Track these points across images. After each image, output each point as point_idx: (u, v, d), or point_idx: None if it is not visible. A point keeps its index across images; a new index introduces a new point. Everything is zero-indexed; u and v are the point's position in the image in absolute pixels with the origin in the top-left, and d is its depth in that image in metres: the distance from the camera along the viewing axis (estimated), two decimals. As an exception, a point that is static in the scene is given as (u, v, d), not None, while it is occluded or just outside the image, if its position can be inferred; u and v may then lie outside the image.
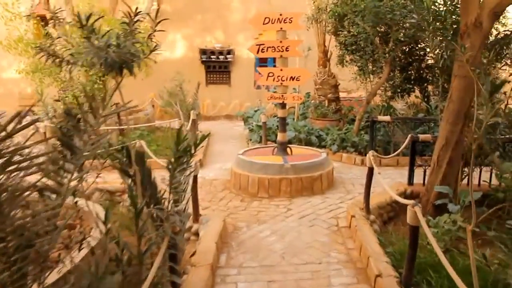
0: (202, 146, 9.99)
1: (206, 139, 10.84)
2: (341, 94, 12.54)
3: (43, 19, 12.73)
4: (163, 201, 3.62)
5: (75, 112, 2.57)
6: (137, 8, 3.32)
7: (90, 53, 2.81)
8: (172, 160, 3.28)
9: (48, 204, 2.49)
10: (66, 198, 2.57)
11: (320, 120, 10.67)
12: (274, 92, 8.01)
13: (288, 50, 7.04)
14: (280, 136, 7.54)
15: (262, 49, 7.12)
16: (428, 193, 6.05)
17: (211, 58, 15.86)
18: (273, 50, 7.08)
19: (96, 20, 2.94)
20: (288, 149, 7.63)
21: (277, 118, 9.13)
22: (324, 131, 10.13)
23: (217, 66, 16.08)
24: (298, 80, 7.15)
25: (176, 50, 15.99)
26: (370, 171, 5.82)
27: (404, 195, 6.71)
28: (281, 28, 7.02)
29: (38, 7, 15.35)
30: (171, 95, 9.54)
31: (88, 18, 2.89)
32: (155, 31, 3.64)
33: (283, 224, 5.85)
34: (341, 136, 9.37)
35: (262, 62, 15.57)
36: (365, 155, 9.17)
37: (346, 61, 11.73)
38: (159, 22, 3.61)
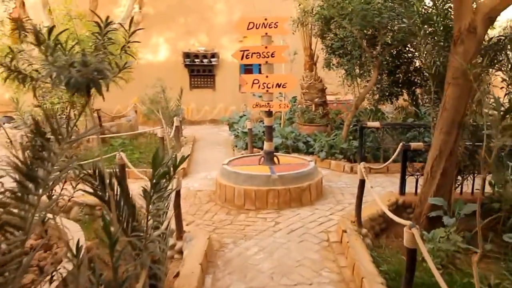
0: (189, 155, 9.70)
1: (190, 146, 10.56)
2: (328, 98, 12.30)
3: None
4: (142, 224, 3.32)
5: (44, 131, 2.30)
6: (108, 17, 3.01)
7: (50, 72, 2.49)
8: (149, 185, 2.97)
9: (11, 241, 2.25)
10: (31, 233, 2.30)
11: (307, 126, 10.42)
12: (260, 97, 7.75)
13: (273, 56, 6.77)
14: (266, 145, 7.27)
15: (247, 55, 6.84)
16: (421, 205, 5.83)
17: (195, 62, 15.52)
18: (258, 56, 6.81)
19: (60, 33, 2.62)
20: (275, 159, 7.35)
21: (263, 124, 8.88)
22: (312, 137, 9.87)
23: (201, 69, 15.74)
24: (284, 87, 6.89)
25: (159, 54, 15.65)
26: (362, 184, 5.57)
27: (395, 205, 6.48)
28: (266, 33, 6.75)
29: (15, 10, 14.94)
30: (153, 102, 9.20)
31: (50, 31, 2.58)
32: (128, 42, 3.31)
33: (271, 240, 5.58)
34: (330, 142, 9.12)
35: (247, 67, 15.30)
36: (354, 162, 8.99)
37: (333, 65, 11.51)
38: (134, 32, 3.27)
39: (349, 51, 9.62)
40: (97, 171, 3.33)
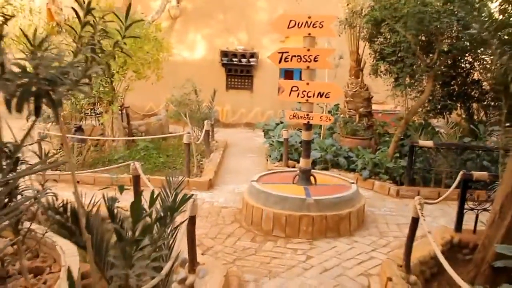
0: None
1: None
2: (373, 107, 11.24)
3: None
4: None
5: None
6: (89, 3, 2.14)
7: None
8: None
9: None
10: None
11: (350, 138, 9.41)
12: (298, 110, 6.84)
13: (316, 61, 5.83)
14: (303, 163, 6.34)
15: (286, 58, 5.92)
16: (484, 250, 4.80)
17: (233, 61, 14.63)
18: (299, 60, 5.88)
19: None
20: (312, 178, 6.41)
21: (299, 130, 7.96)
22: (354, 151, 8.87)
23: (238, 70, 14.85)
24: (328, 97, 5.94)
25: (196, 51, 14.87)
26: (415, 222, 4.59)
27: (450, 244, 5.49)
28: (309, 34, 5.81)
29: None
30: (180, 105, 8.38)
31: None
32: (124, 37, 2.46)
33: (300, 280, 4.67)
34: (374, 160, 8.11)
35: (288, 72, 14.34)
36: (401, 184, 7.97)
37: (381, 72, 10.47)
38: (130, 25, 2.40)
39: (400, 58, 8.56)
40: (70, 207, 2.51)
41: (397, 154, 8.61)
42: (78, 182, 8.04)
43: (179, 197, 2.49)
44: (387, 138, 10.31)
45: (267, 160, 9.60)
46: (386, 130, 11.32)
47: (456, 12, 7.85)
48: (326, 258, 5.22)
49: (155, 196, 2.21)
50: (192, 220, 4.47)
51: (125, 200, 6.24)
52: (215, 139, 11.53)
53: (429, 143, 7.66)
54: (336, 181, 6.87)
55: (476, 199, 5.63)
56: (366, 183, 8.10)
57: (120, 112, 11.76)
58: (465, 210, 5.58)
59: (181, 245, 3.92)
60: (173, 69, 14.22)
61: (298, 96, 5.97)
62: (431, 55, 9.20)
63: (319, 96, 5.91)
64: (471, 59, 10.05)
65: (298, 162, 8.88)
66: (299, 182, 6.39)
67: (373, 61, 10.47)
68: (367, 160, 8.19)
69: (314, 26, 5.72)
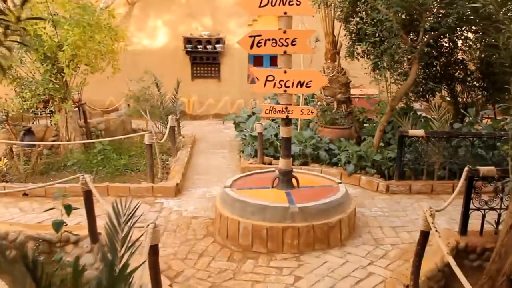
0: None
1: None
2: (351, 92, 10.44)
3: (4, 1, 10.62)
4: None
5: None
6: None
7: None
8: None
9: None
10: None
11: (330, 128, 8.57)
12: (272, 99, 5.91)
13: (294, 44, 4.94)
14: (283, 163, 5.47)
15: (259, 43, 5.02)
16: (500, 261, 4.10)
17: (198, 48, 13.50)
18: (274, 44, 4.98)
19: None
20: (294, 180, 5.56)
21: (277, 124, 7.09)
22: (335, 143, 8.06)
23: (204, 57, 13.69)
24: (309, 87, 5.07)
25: (157, 39, 13.72)
26: (425, 237, 3.80)
27: (455, 250, 4.75)
28: (285, 13, 4.90)
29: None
30: (138, 100, 7.35)
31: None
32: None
33: (290, 312, 3.84)
34: (359, 153, 7.30)
35: (257, 58, 13.40)
36: (390, 178, 7.20)
37: (358, 54, 9.67)
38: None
39: (382, 38, 7.74)
40: None
41: (381, 143, 7.86)
42: (26, 194, 7.04)
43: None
44: (368, 125, 9.56)
45: (240, 156, 8.72)
46: (365, 116, 10.57)
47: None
48: (318, 278, 4.40)
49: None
50: (154, 250, 3.58)
51: (79, 216, 5.29)
52: (181, 134, 10.59)
53: (420, 132, 6.89)
54: (321, 181, 6.03)
55: (480, 196, 4.89)
56: (352, 179, 7.31)
57: (76, 109, 10.73)
58: (470, 211, 4.85)
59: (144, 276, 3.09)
60: (133, 59, 13.17)
61: (274, 86, 5.08)
62: (411, 34, 8.46)
63: (298, 85, 5.04)
64: (454, 38, 9.31)
65: (274, 158, 8.06)
66: (279, 185, 5.53)
67: (349, 42, 9.67)
68: (351, 153, 7.40)
69: (291, 3, 4.82)
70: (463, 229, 4.92)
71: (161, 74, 12.30)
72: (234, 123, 10.17)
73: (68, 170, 8.17)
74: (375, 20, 7.59)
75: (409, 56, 8.03)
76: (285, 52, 4.98)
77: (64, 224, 4.76)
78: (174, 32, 13.63)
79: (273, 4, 4.86)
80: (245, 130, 9.08)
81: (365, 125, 9.95)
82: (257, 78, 5.23)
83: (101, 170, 8.02)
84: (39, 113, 10.35)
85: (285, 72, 5.03)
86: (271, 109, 5.22)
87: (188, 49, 13.47)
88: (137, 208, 3.52)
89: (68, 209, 4.69)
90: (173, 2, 13.53)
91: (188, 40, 13.47)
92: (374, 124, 9.53)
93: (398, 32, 7.51)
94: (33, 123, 10.55)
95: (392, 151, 7.37)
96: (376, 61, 8.73)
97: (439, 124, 7.36)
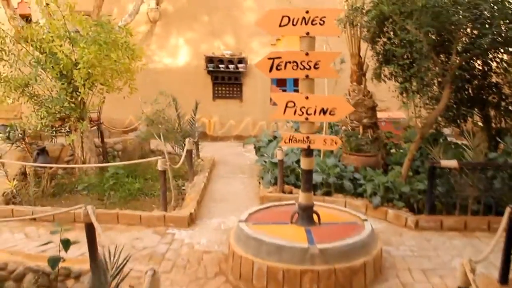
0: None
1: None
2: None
3: (26, 19, 10.50)
4: None
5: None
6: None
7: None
8: None
9: None
10: None
11: (355, 156, 8.06)
12: (295, 122, 5.44)
13: (317, 68, 4.50)
14: (303, 198, 4.99)
15: (278, 66, 4.60)
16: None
17: (219, 68, 13.12)
18: (295, 67, 4.55)
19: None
20: (315, 215, 5.08)
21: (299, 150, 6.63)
22: (361, 172, 7.55)
23: (226, 77, 13.33)
24: (333, 115, 4.61)
25: (178, 57, 13.40)
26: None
27: (496, 302, 4.20)
28: (308, 33, 4.48)
29: (21, 5, 13.17)
30: (153, 124, 6.92)
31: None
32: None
33: None
34: (386, 184, 6.78)
35: (280, 79, 12.95)
36: (419, 212, 6.64)
37: (385, 76, 9.18)
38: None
39: (412, 60, 7.23)
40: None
41: (410, 172, 7.32)
42: (34, 219, 6.70)
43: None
44: (396, 152, 9.01)
45: (259, 183, 8.26)
46: (393, 142, 10.02)
47: (477, 5, 6.57)
48: (339, 332, 3.90)
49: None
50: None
51: (78, 249, 4.89)
52: (200, 157, 10.19)
53: (453, 163, 6.34)
54: (344, 217, 5.53)
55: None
56: (378, 212, 6.78)
57: (95, 128, 10.47)
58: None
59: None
60: (154, 78, 12.94)
61: (295, 113, 4.64)
62: (442, 56, 7.94)
63: (321, 113, 4.59)
64: (488, 60, 8.74)
65: (295, 186, 7.58)
66: (298, 221, 5.05)
67: (375, 64, 9.20)
68: (378, 184, 6.87)
69: (314, 22, 4.40)
70: (504, 278, 4.40)
71: (182, 94, 12.02)
72: (254, 147, 9.73)
73: (82, 192, 7.88)
74: (404, 41, 7.09)
75: (440, 80, 7.54)
76: (307, 76, 4.54)
77: (62, 259, 4.38)
78: (195, 51, 13.33)
79: (294, 23, 4.44)
80: (265, 155, 8.62)
81: (392, 151, 9.40)
82: (277, 104, 4.80)
83: (114, 195, 7.67)
84: (56, 131, 10.12)
85: (306, 98, 4.58)
86: (291, 138, 4.76)
87: (210, 69, 13.12)
88: (127, 262, 3.10)
89: (66, 244, 4.30)
90: (195, 20, 13.25)
91: (209, 59, 13.14)
92: (402, 151, 8.99)
93: (429, 53, 7.02)
94: (51, 141, 10.32)
95: (421, 182, 6.82)
96: (405, 85, 8.25)
97: (474, 153, 6.79)
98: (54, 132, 10.04)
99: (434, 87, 8.09)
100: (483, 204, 6.56)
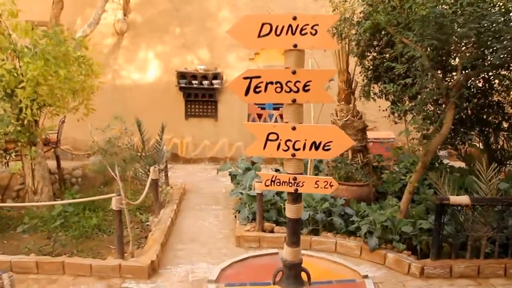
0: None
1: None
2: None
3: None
4: None
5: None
6: None
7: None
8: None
9: None
10: None
11: (345, 185, 7.06)
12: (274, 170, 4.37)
13: (307, 90, 3.47)
14: (289, 253, 3.92)
15: (257, 87, 3.55)
16: None
17: (192, 84, 11.90)
18: (279, 89, 3.52)
19: None
20: (304, 274, 4.02)
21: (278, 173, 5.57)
22: (353, 205, 6.53)
23: (199, 94, 12.09)
24: (327, 150, 3.57)
25: (148, 72, 12.21)
26: None
27: None
28: (296, 45, 3.44)
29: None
30: (105, 154, 5.76)
31: None
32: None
33: None
34: (384, 223, 5.77)
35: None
36: (424, 256, 5.62)
37: (375, 93, 8.31)
38: None
39: (413, 78, 6.26)
40: None
41: (410, 208, 6.34)
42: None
43: None
44: (387, 176, 8.05)
45: (236, 217, 7.19)
46: (383, 166, 9.08)
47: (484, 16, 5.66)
48: None
49: None
50: None
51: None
52: (169, 184, 9.08)
53: (464, 200, 5.35)
54: (340, 273, 4.50)
55: None
56: (375, 256, 5.75)
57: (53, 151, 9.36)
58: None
59: None
60: (122, 95, 11.82)
61: (278, 148, 3.60)
62: (439, 72, 7.04)
63: (313, 147, 3.56)
64: (490, 77, 7.86)
65: (277, 223, 6.53)
66: (283, 281, 3.99)
67: (363, 80, 8.31)
68: (373, 221, 5.86)
69: (303, 32, 3.38)
70: None
71: (151, 112, 10.99)
72: (229, 174, 8.64)
73: (26, 233, 6.71)
74: (404, 56, 6.13)
75: (436, 98, 6.63)
76: (294, 100, 3.50)
77: None
78: (166, 66, 12.20)
79: (277, 33, 3.42)
80: (241, 184, 7.57)
81: (382, 176, 8.44)
82: (256, 133, 3.75)
83: (65, 234, 6.55)
84: (9, 155, 8.96)
85: (293, 128, 3.54)
86: (273, 180, 3.70)
87: (182, 85, 11.96)
88: None
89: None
90: (166, 32, 12.15)
91: (181, 75, 12.00)
92: (394, 175, 8.05)
93: (430, 70, 6.07)
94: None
95: (424, 220, 5.85)
96: (404, 107, 7.32)
97: (487, 187, 5.81)
98: (6, 156, 8.89)
99: (429, 106, 7.18)
100: (497, 245, 5.60)
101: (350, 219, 6.30)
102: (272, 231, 6.39)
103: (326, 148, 3.54)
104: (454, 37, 5.80)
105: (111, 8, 11.64)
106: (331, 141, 3.52)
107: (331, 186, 3.65)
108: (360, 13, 7.29)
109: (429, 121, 6.37)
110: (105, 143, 5.65)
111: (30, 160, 7.72)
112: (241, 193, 7.16)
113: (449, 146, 8.57)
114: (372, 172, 8.14)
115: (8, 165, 9.07)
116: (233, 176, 8.37)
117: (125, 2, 11.80)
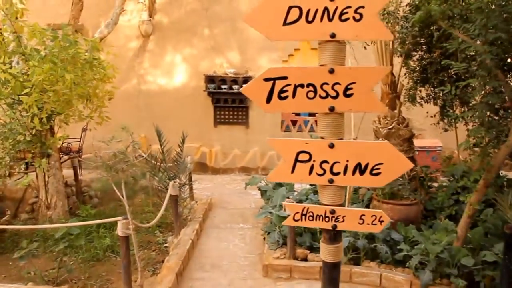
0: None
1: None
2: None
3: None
4: None
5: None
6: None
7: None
8: None
9: None
10: None
11: (390, 204, 6.12)
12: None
13: (350, 95, 2.58)
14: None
15: (282, 92, 2.68)
16: None
17: (222, 89, 11.10)
18: (312, 94, 2.63)
19: None
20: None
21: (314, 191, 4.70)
22: (400, 230, 5.59)
23: (229, 99, 11.26)
24: (376, 175, 2.67)
25: (174, 77, 11.47)
26: None
27: None
28: (334, 35, 2.55)
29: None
30: (110, 170, 4.97)
31: None
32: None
33: None
34: (439, 254, 4.81)
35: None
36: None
37: (421, 98, 7.44)
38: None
39: (477, 78, 5.27)
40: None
41: (468, 236, 5.35)
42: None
43: None
44: (437, 192, 7.10)
45: (264, 239, 6.34)
46: (431, 177, 8.05)
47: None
48: None
49: None
50: None
51: None
52: (194, 199, 8.32)
53: (542, 229, 4.36)
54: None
55: None
56: (429, 293, 4.81)
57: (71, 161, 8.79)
58: None
59: None
60: (148, 102, 11.17)
61: (311, 172, 2.71)
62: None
63: (357, 171, 2.66)
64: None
65: (312, 249, 5.66)
66: None
67: (408, 83, 7.42)
68: (426, 251, 4.90)
69: (343, 17, 2.50)
70: None
71: (178, 119, 10.40)
72: (259, 189, 7.77)
73: (24, 259, 6.02)
74: (463, 55, 5.18)
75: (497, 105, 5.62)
76: (332, 109, 2.61)
77: None
78: (194, 69, 11.44)
79: (309, 19, 2.54)
80: (270, 203, 6.71)
81: (430, 190, 7.48)
82: (282, 154, 2.88)
83: (75, 256, 5.90)
84: (28, 165, 8.46)
85: (331, 146, 2.65)
86: (304, 213, 2.83)
87: (210, 90, 11.17)
88: None
89: None
90: (194, 34, 11.39)
91: (210, 79, 11.20)
92: (444, 189, 7.09)
93: (492, 70, 5.09)
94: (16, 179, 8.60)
95: (487, 250, 4.87)
96: (443, 106, 6.45)
97: None
98: (22, 167, 8.36)
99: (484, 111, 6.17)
100: None
101: (397, 246, 5.36)
102: (305, 259, 5.51)
103: (374, 172, 2.64)
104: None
105: (136, 9, 11.04)
106: (382, 163, 2.62)
107: (380, 222, 2.75)
108: (407, 5, 6.40)
109: (494, 131, 5.34)
110: (111, 157, 4.88)
111: (45, 171, 7.15)
112: (270, 212, 6.30)
113: (508, 158, 7.54)
114: (420, 187, 7.16)
115: (27, 176, 8.55)
116: (263, 192, 7.51)
117: (151, 3, 11.14)
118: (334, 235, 2.83)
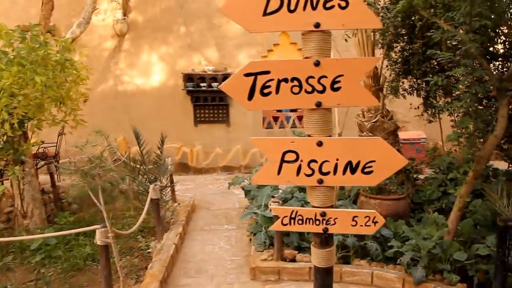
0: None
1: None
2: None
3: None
4: None
5: None
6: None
7: None
8: None
9: None
10: None
11: (377, 200, 5.99)
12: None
13: (337, 89, 2.40)
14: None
15: (265, 87, 2.48)
16: None
17: (201, 87, 10.91)
18: (297, 89, 2.44)
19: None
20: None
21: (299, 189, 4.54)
22: (390, 225, 5.45)
23: (209, 97, 11.05)
24: (368, 174, 2.48)
25: (152, 76, 11.24)
26: None
27: None
28: (318, 25, 2.36)
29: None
30: (84, 176, 4.70)
31: None
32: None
33: None
34: (432, 249, 4.67)
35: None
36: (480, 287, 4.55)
37: (404, 90, 7.35)
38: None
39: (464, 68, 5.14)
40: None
41: (459, 228, 5.24)
42: None
43: None
44: (424, 184, 7.01)
45: (250, 240, 6.16)
46: (417, 170, 7.95)
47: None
48: None
49: None
50: None
51: None
52: (176, 201, 8.10)
53: (537, 219, 4.24)
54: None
55: None
56: (422, 290, 4.67)
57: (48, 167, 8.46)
58: None
59: None
60: (124, 102, 10.89)
61: (299, 173, 2.53)
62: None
63: (348, 170, 2.49)
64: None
65: (299, 249, 5.49)
66: None
67: (390, 75, 7.32)
68: (418, 247, 4.76)
69: (328, 4, 2.32)
70: None
71: (157, 120, 10.22)
72: (242, 189, 7.58)
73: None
74: (451, 43, 5.07)
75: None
76: (318, 104, 2.42)
77: None
78: (172, 68, 11.20)
79: (291, 8, 2.35)
80: (254, 202, 6.52)
81: (416, 182, 7.38)
82: (265, 152, 2.69)
83: (54, 266, 5.65)
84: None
85: (319, 144, 2.47)
86: (293, 216, 2.64)
87: (189, 88, 10.94)
88: None
89: None
90: (171, 32, 11.14)
91: (188, 77, 10.96)
92: (430, 181, 7.00)
93: (477, 59, 4.98)
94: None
95: (481, 245, 4.75)
96: (426, 97, 6.38)
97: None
98: (-1, 175, 8.13)
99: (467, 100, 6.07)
100: None
101: (388, 242, 5.21)
102: (293, 260, 5.34)
103: (366, 170, 2.46)
104: (509, 14, 4.74)
105: (110, 8, 10.74)
106: (374, 161, 2.45)
107: (374, 223, 2.58)
108: (389, -4, 6.28)
109: (480, 120, 5.22)
110: (86, 163, 4.63)
111: (19, 179, 6.87)
112: (255, 213, 6.11)
113: (497, 148, 7.48)
114: (406, 180, 7.04)
115: (1, 185, 8.24)
116: (247, 191, 7.31)
117: (125, 1, 10.85)
118: (326, 239, 2.65)
